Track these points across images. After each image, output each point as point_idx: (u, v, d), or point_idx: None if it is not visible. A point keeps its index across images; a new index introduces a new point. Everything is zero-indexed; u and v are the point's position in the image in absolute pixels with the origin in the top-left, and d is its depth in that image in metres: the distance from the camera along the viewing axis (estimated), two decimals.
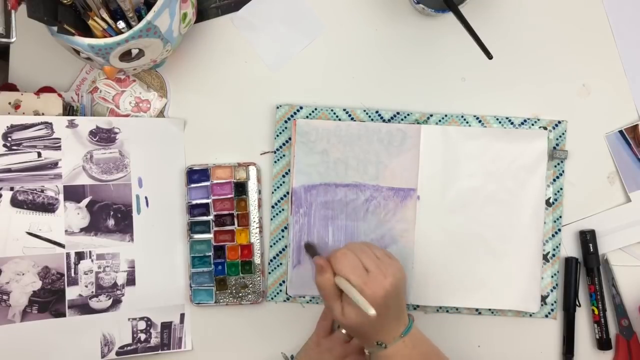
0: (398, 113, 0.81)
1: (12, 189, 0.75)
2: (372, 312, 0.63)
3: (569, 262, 0.80)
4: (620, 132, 0.81)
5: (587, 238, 0.80)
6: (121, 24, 0.71)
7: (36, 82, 0.81)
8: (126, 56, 0.72)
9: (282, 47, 0.82)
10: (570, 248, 0.81)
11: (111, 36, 0.70)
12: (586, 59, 0.81)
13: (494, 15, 0.81)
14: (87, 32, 0.71)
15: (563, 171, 0.80)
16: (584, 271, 0.81)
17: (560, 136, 0.80)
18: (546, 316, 0.80)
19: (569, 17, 0.81)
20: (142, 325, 0.80)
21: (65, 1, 0.69)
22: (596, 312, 0.80)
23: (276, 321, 0.82)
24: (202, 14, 0.82)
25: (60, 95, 0.79)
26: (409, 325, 0.68)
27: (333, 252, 0.68)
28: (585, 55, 0.81)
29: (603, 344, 0.80)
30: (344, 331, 0.78)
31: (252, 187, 0.81)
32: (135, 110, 0.82)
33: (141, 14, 0.72)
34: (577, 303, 0.80)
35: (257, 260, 0.81)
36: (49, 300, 0.76)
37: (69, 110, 0.80)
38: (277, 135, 0.81)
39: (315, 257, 0.70)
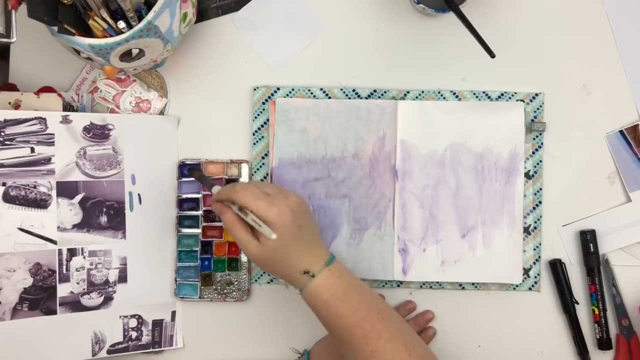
0: (375, 91, 0.81)
1: (4, 184, 0.75)
2: (273, 235, 0.64)
3: (553, 265, 0.80)
4: (620, 132, 0.81)
5: (587, 238, 0.80)
6: (121, 24, 0.71)
7: (36, 82, 0.81)
8: (126, 56, 0.72)
9: (282, 47, 0.82)
10: (570, 248, 0.81)
11: (111, 36, 0.70)
12: (586, 59, 0.81)
13: (494, 15, 0.81)
14: (88, 32, 0.71)
15: (542, 143, 0.80)
16: (584, 271, 0.81)
17: (538, 108, 0.80)
18: (530, 289, 0.80)
19: (569, 17, 0.81)
20: (133, 323, 0.80)
21: (66, 1, 0.69)
22: (596, 312, 0.80)
23: (263, 318, 0.82)
24: (202, 14, 0.82)
25: (60, 95, 0.79)
26: (332, 257, 0.68)
27: (231, 186, 0.67)
28: (585, 55, 0.81)
29: (603, 343, 0.80)
30: None
31: None
32: (136, 110, 0.83)
33: (141, 14, 0.72)
34: (575, 301, 0.80)
35: (243, 257, 0.81)
36: (40, 297, 0.76)
37: (69, 110, 0.80)
38: (255, 117, 0.81)
39: (214, 202, 0.69)
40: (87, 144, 0.78)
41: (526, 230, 0.80)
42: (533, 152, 0.81)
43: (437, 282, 0.81)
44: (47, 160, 0.77)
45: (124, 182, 0.79)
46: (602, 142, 0.81)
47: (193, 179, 0.81)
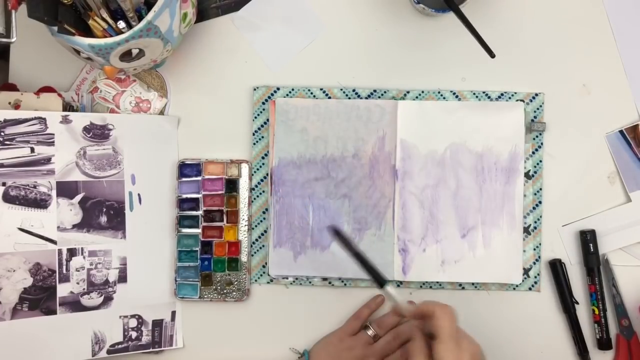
0: (375, 91, 0.81)
1: (4, 184, 0.75)
2: None
3: (553, 265, 0.80)
4: (620, 132, 0.81)
5: (587, 238, 0.80)
6: (121, 24, 0.71)
7: (36, 82, 0.81)
8: (126, 56, 0.72)
9: (282, 47, 0.82)
10: (570, 248, 0.81)
11: (111, 36, 0.70)
12: (586, 59, 0.81)
13: (494, 15, 0.81)
14: (88, 32, 0.71)
15: (542, 143, 0.81)
16: (584, 271, 0.81)
17: (538, 108, 0.81)
18: (530, 289, 0.80)
19: (569, 17, 0.81)
20: (133, 323, 0.80)
21: (66, 1, 0.69)
22: (596, 312, 0.80)
23: (263, 318, 0.82)
24: (202, 14, 0.82)
25: (60, 95, 0.79)
26: None
27: (431, 305, 0.64)
28: (585, 55, 0.81)
29: (603, 344, 0.80)
30: (369, 332, 0.78)
31: (243, 184, 0.82)
32: (136, 110, 0.83)
33: (141, 14, 0.72)
34: (575, 301, 0.80)
35: (243, 258, 0.81)
36: (40, 297, 0.76)
37: (69, 110, 0.80)
38: (255, 117, 0.82)
39: (395, 312, 0.65)
40: (87, 144, 0.78)
41: (526, 230, 0.80)
42: (533, 152, 0.81)
43: (437, 282, 0.81)
44: (47, 160, 0.77)
45: (124, 182, 0.79)
46: (602, 142, 0.81)
47: (192, 179, 0.81)
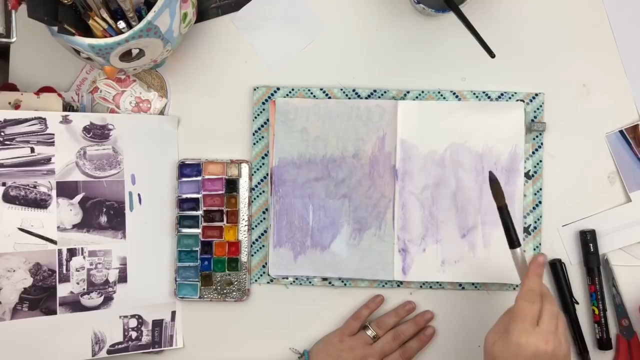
0: (375, 91, 0.81)
1: (4, 184, 0.75)
2: None
3: (553, 265, 0.80)
4: (621, 132, 0.81)
5: (587, 238, 0.80)
6: (121, 24, 0.71)
7: (36, 82, 0.81)
8: (126, 56, 0.72)
9: (282, 47, 0.82)
10: (570, 248, 0.81)
11: (111, 36, 0.70)
12: (586, 59, 0.81)
13: (493, 15, 0.81)
14: (88, 32, 0.71)
15: (542, 143, 0.80)
16: (584, 271, 0.81)
17: (538, 108, 0.80)
18: None
19: (569, 17, 0.81)
20: (133, 323, 0.80)
21: (66, 1, 0.69)
22: (596, 312, 0.80)
23: (263, 318, 0.82)
24: (202, 14, 0.82)
25: (60, 95, 0.79)
26: None
27: (546, 291, 0.68)
28: (586, 55, 0.81)
29: (603, 344, 0.80)
30: (369, 332, 0.79)
31: (243, 184, 0.82)
32: (136, 110, 0.83)
33: (141, 14, 0.72)
34: (575, 301, 0.80)
35: (243, 258, 0.81)
36: (40, 297, 0.76)
37: (69, 110, 0.80)
38: (255, 117, 0.82)
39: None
40: (87, 144, 0.78)
41: (526, 230, 0.80)
42: (533, 152, 0.81)
43: (437, 282, 0.81)
44: (47, 160, 0.77)
45: (124, 182, 0.79)
46: (602, 142, 0.81)
47: (192, 179, 0.81)
